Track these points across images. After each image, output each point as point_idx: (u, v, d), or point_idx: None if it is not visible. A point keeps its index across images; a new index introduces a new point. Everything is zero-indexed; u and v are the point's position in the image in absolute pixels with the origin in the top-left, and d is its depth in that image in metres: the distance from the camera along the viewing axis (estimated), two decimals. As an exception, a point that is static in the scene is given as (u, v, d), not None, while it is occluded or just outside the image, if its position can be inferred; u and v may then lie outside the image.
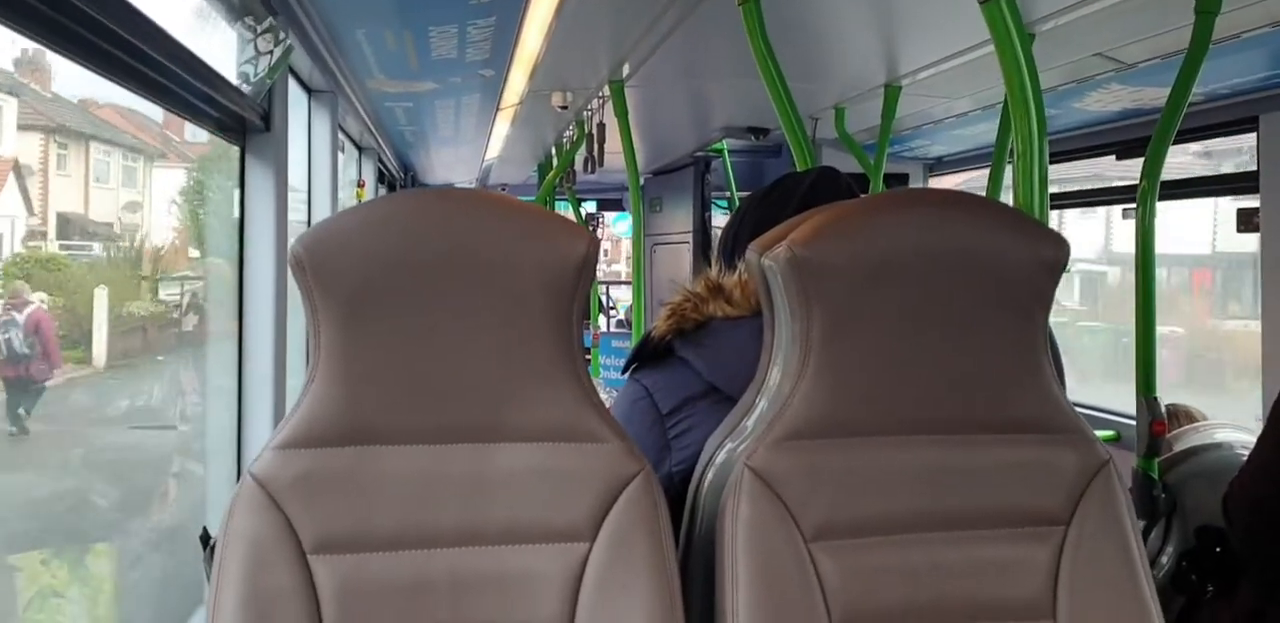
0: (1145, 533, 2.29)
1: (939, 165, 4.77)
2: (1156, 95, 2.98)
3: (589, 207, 7.49)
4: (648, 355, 1.50)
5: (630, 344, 4.13)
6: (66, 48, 1.25)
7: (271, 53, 1.90)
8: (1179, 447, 2.47)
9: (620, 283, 8.52)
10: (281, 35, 1.93)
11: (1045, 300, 1.27)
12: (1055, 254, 1.25)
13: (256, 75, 1.92)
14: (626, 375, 1.54)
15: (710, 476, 1.29)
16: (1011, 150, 1.57)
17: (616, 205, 7.92)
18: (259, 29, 1.86)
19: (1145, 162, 2.37)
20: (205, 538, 1.43)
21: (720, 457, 1.29)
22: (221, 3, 1.66)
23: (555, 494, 1.21)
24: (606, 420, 1.24)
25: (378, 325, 1.19)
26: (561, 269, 1.21)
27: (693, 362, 1.44)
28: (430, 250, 1.18)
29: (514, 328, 1.21)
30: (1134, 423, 2.59)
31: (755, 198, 1.64)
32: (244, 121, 2.02)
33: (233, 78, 1.85)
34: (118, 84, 1.41)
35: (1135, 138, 3.32)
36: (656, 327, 1.48)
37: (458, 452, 1.21)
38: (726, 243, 1.63)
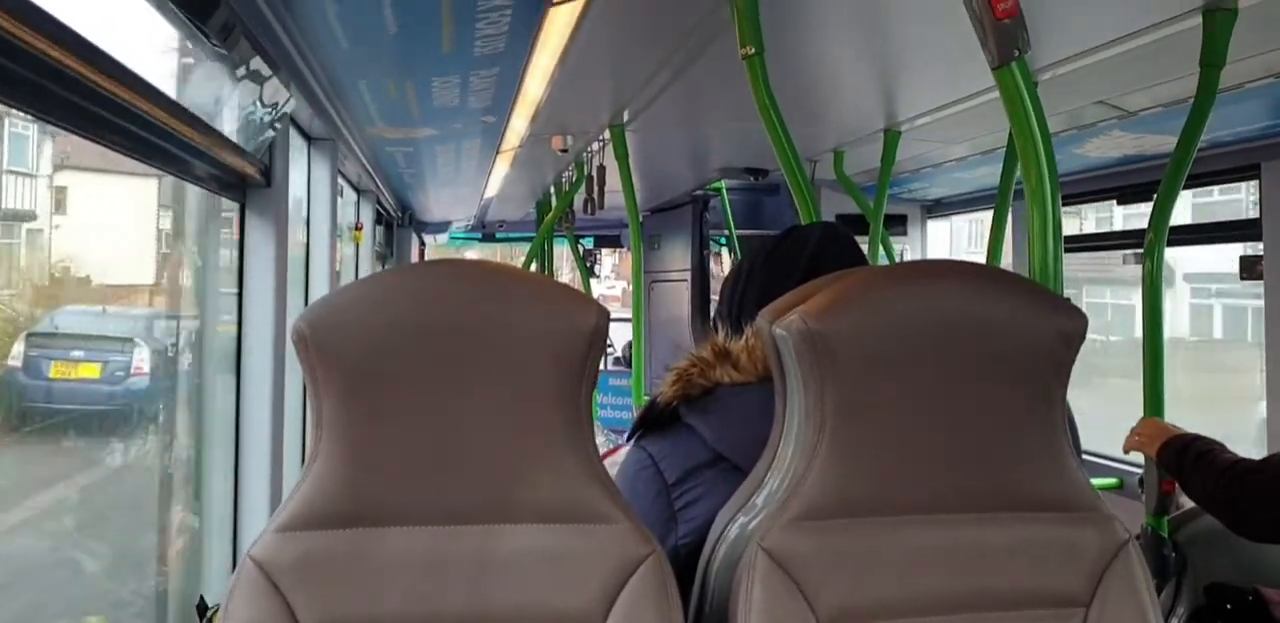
0: (1155, 593, 2.26)
1: (937, 207, 4.78)
2: (1158, 142, 2.99)
3: (586, 243, 7.49)
4: (653, 422, 1.47)
5: (629, 382, 4.09)
6: (61, 118, 1.23)
7: (274, 107, 1.89)
8: (1189, 502, 2.44)
9: (619, 320, 8.50)
10: (284, 91, 1.92)
11: (1063, 374, 1.25)
12: (1073, 327, 1.23)
13: (258, 130, 1.90)
14: (632, 442, 1.51)
15: (721, 553, 1.26)
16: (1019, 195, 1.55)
17: (614, 242, 7.92)
18: (262, 86, 1.85)
19: (1152, 215, 2.36)
20: (201, 608, 1.38)
21: (732, 532, 1.26)
22: (223, 62, 1.64)
23: (564, 578, 1.17)
24: (615, 500, 1.21)
25: (382, 403, 1.16)
26: (571, 341, 1.18)
27: (699, 429, 1.41)
28: (436, 325, 1.16)
29: (522, 404, 1.18)
30: (1137, 470, 2.57)
31: (759, 255, 1.61)
32: (244, 178, 2.00)
33: (233, 134, 1.84)
34: (116, 151, 1.39)
35: (1137, 183, 3.33)
36: (663, 392, 1.45)
37: (464, 533, 1.17)
38: (730, 304, 1.59)
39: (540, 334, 1.17)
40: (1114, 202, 3.47)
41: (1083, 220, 5.36)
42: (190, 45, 1.50)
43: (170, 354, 2.22)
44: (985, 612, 1.22)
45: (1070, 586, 1.23)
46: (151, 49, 1.39)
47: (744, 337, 1.43)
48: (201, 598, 1.39)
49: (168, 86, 1.45)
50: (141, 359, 2.36)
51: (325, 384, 1.15)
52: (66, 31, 1.12)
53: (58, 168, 2.16)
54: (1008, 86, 1.40)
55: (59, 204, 2.23)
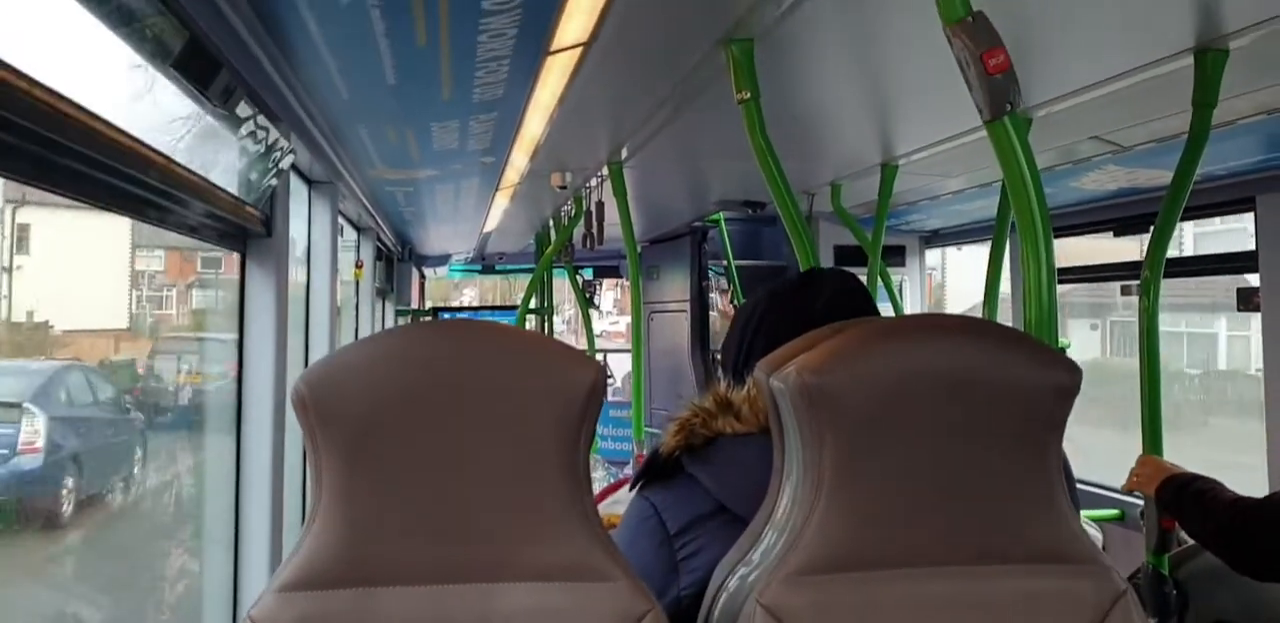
0: None
1: (935, 238, 4.80)
2: (1153, 176, 3.01)
3: (586, 274, 7.51)
4: (656, 472, 1.47)
5: (629, 414, 4.09)
6: (61, 186, 1.24)
7: (275, 159, 1.90)
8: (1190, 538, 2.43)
9: (619, 351, 8.49)
10: (284, 142, 1.93)
11: (1059, 426, 1.25)
12: (1068, 380, 1.24)
13: (259, 181, 1.91)
14: (635, 493, 1.51)
15: (720, 606, 1.26)
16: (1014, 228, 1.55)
17: (613, 272, 7.94)
18: (263, 140, 1.86)
19: (1148, 248, 2.37)
20: None
21: (730, 586, 1.26)
22: (225, 121, 1.66)
23: None
24: (614, 558, 1.21)
25: (381, 462, 1.16)
26: (569, 400, 1.19)
27: (702, 479, 1.41)
28: (435, 386, 1.16)
29: (521, 462, 1.18)
30: (1138, 502, 2.56)
31: (767, 301, 1.60)
32: (245, 229, 2.01)
33: (233, 186, 1.85)
34: (117, 213, 1.40)
35: (1132, 215, 3.34)
36: (665, 442, 1.45)
37: (463, 593, 1.17)
38: (734, 353, 1.59)
39: (538, 393, 1.18)
40: (1111, 233, 3.48)
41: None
42: (192, 104, 1.52)
43: (93, 416, 1.84)
44: None
45: None
46: (152, 111, 1.40)
47: (745, 387, 1.43)
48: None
49: (167, 146, 1.47)
50: (33, 431, 1.85)
51: (325, 445, 1.16)
52: (65, 100, 1.14)
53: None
54: (1000, 139, 1.42)
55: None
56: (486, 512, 1.18)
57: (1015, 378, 1.23)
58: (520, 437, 1.18)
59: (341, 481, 1.16)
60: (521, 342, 1.23)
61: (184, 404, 2.00)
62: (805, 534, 1.20)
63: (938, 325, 1.28)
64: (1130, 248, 3.67)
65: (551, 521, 1.19)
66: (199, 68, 1.34)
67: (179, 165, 1.51)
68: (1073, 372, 1.25)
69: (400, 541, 1.17)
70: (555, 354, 1.22)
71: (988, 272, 3.27)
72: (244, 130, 1.70)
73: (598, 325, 7.89)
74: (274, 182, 2.00)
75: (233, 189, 1.81)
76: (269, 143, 1.96)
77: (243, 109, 1.60)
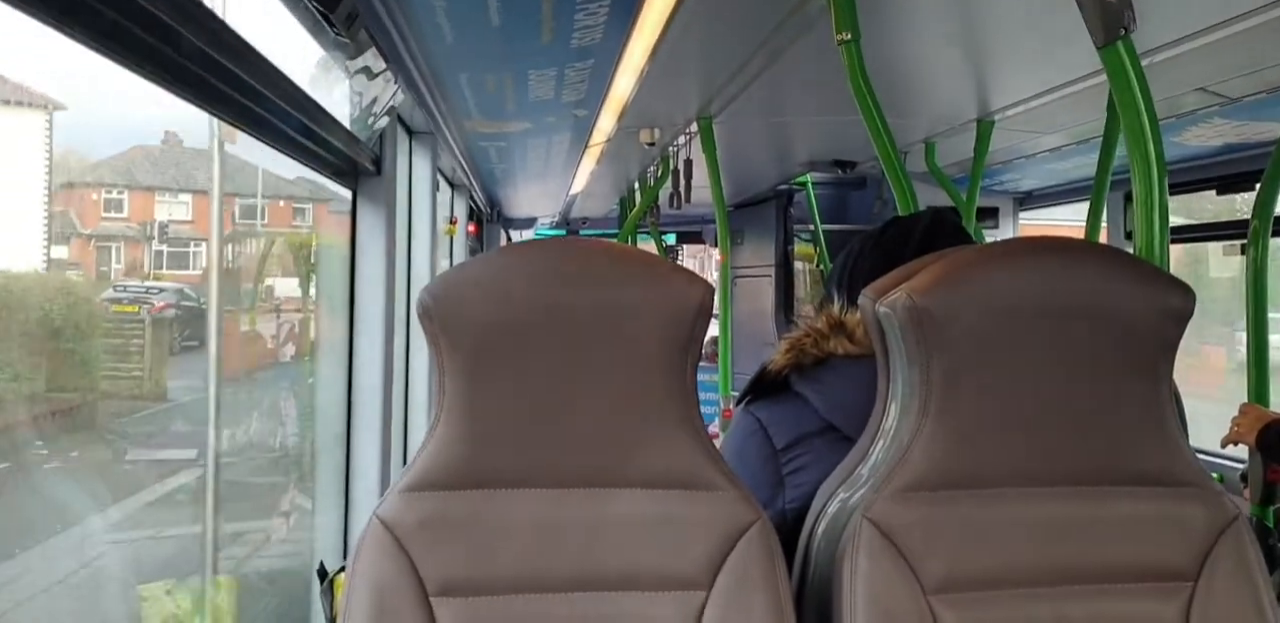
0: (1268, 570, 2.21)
1: (1029, 199, 4.71)
2: (1261, 130, 2.92)
3: (669, 239, 7.53)
4: (763, 389, 1.50)
5: (716, 378, 4.12)
6: (197, 98, 1.31)
7: (385, 99, 1.97)
8: None
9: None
10: (391, 85, 2.00)
11: (1170, 351, 1.25)
12: (1181, 304, 1.23)
13: (369, 121, 1.98)
14: (740, 407, 1.53)
15: (824, 525, 1.28)
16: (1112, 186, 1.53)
17: (696, 238, 7.94)
18: (374, 79, 1.93)
19: (1257, 200, 2.32)
20: (323, 573, 1.46)
21: (833, 507, 1.28)
22: (342, 51, 1.72)
23: (672, 542, 1.21)
24: (721, 469, 1.25)
25: (501, 371, 1.21)
26: (678, 317, 1.22)
27: (810, 398, 1.43)
28: (553, 299, 1.21)
29: (632, 375, 1.22)
30: (1236, 466, 2.52)
31: (867, 241, 1.63)
32: (356, 165, 2.08)
33: (347, 124, 1.92)
34: (243, 130, 1.48)
35: (1237, 173, 3.25)
36: (774, 360, 1.47)
37: (576, 497, 1.22)
38: (841, 280, 1.60)
39: (649, 309, 1.22)
40: (1214, 192, 3.39)
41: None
42: (314, 38, 1.58)
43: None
44: (1089, 584, 1.22)
45: (1177, 560, 1.24)
46: (283, 40, 1.47)
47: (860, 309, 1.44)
48: (321, 564, 1.46)
49: (297, 76, 1.54)
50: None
51: (448, 353, 1.21)
52: (227, 31, 1.21)
53: None
54: (1114, 65, 1.40)
55: None
56: (600, 420, 1.22)
57: (1125, 300, 1.23)
58: (632, 350, 1.22)
59: (462, 387, 1.22)
60: (636, 259, 1.27)
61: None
62: (912, 452, 1.22)
63: (1047, 248, 1.28)
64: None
65: (662, 431, 1.23)
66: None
67: (307, 97, 1.58)
68: (1185, 295, 1.24)
69: (518, 445, 1.22)
70: (667, 272, 1.25)
71: (1086, 230, 3.21)
72: (357, 66, 1.76)
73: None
74: (383, 122, 2.07)
75: (347, 127, 1.88)
76: (379, 85, 2.02)
77: (360, 41, 1.66)
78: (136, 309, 2.30)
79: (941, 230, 1.54)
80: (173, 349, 2.44)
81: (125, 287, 2.37)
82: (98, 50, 1.02)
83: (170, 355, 2.39)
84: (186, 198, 2.71)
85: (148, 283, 2.48)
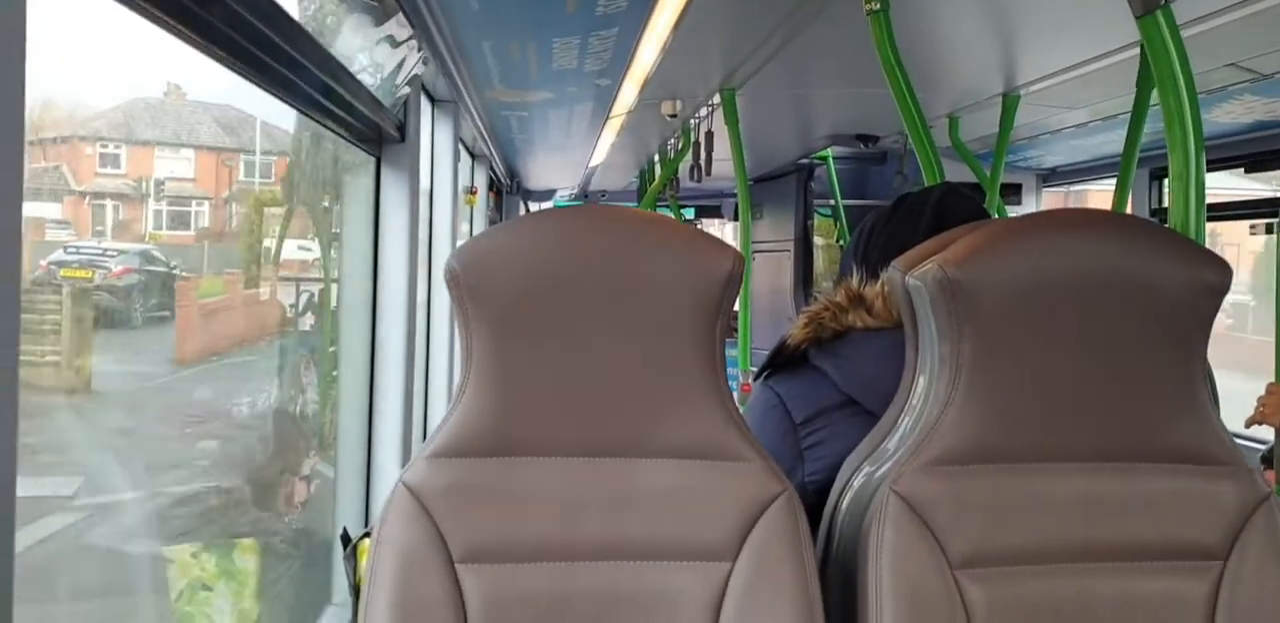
0: None
1: (1053, 176, 4.67)
2: (1293, 107, 2.88)
3: (688, 213, 7.50)
4: (782, 363, 1.49)
5: (736, 352, 4.11)
6: (222, 53, 1.30)
7: (409, 65, 1.96)
8: None
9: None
10: (415, 52, 1.99)
11: (1205, 327, 1.23)
12: (1217, 279, 1.22)
13: (394, 87, 1.98)
14: (759, 382, 1.54)
15: (849, 498, 1.28)
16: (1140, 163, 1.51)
17: (715, 212, 7.91)
18: (399, 42, 1.92)
19: None
20: (345, 539, 1.47)
21: (859, 480, 1.28)
22: (367, 14, 1.72)
23: (698, 512, 1.21)
24: (748, 440, 1.24)
25: (528, 339, 1.21)
26: (708, 286, 1.21)
27: (829, 372, 1.43)
28: (581, 267, 1.20)
29: (660, 344, 1.22)
30: (1258, 448, 2.51)
31: (882, 216, 1.63)
32: (380, 132, 2.08)
33: (373, 90, 1.92)
34: (269, 92, 1.48)
35: (1267, 151, 3.21)
36: (793, 334, 1.47)
37: (603, 465, 1.22)
38: (858, 253, 1.60)
39: (679, 278, 1.21)
40: (1242, 169, 3.35)
41: None
42: (341, 2, 1.58)
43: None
44: (1118, 562, 1.22)
45: (1207, 538, 1.23)
46: (310, 2, 1.47)
47: (880, 282, 1.44)
48: (345, 529, 1.48)
49: (324, 38, 1.53)
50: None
51: (475, 320, 1.21)
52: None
53: None
54: (1152, 35, 1.38)
55: None
56: (627, 389, 1.22)
57: (1160, 274, 1.21)
58: (660, 319, 1.21)
59: (490, 354, 1.21)
60: (666, 228, 1.26)
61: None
62: (941, 426, 1.21)
63: (1081, 220, 1.27)
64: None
65: (689, 401, 1.22)
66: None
67: (333, 60, 1.58)
68: (1222, 270, 1.22)
69: (543, 414, 1.22)
70: (697, 241, 1.24)
71: (1113, 207, 3.18)
72: (382, 31, 1.75)
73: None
74: (407, 89, 2.07)
75: (373, 92, 1.88)
76: (403, 51, 2.02)
77: (388, 4, 1.65)
78: (90, 274, 2.02)
79: (954, 204, 1.53)
80: (132, 323, 2.16)
81: (79, 248, 2.07)
82: (131, 6, 1.02)
83: (131, 330, 2.11)
84: (189, 153, 2.63)
85: (104, 244, 2.19)
